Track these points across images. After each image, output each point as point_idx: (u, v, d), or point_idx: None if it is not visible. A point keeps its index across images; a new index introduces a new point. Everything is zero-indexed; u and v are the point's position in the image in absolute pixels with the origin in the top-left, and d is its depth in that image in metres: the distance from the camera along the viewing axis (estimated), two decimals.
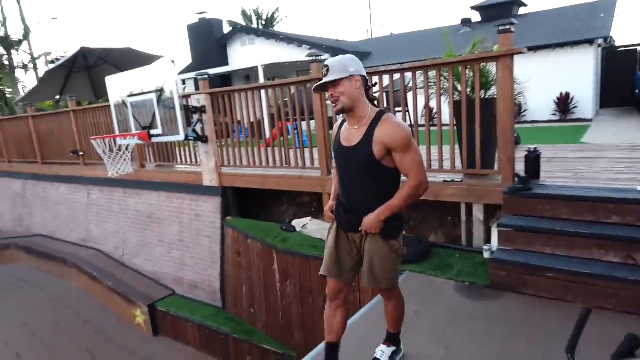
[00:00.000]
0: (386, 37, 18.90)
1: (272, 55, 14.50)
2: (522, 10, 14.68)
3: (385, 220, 2.13)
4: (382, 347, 2.51)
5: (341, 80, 2.07)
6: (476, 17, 14.80)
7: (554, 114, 10.75)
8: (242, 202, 6.23)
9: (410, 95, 4.37)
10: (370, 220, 2.14)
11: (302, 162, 5.14)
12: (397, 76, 4.50)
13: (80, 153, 8.11)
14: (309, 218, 5.27)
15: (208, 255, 6.12)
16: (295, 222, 5.19)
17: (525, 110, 10.97)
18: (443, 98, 4.13)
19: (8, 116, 11.70)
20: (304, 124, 5.26)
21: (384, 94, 4.63)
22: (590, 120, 10.07)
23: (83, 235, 8.51)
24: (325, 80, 2.09)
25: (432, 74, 4.15)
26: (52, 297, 7.44)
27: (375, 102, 2.23)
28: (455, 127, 4.08)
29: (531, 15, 13.89)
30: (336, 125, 2.36)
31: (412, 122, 4.41)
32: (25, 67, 19.51)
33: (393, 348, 2.51)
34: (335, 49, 14.35)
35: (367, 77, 2.20)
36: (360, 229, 2.17)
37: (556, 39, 10.83)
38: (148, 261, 7.11)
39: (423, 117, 4.32)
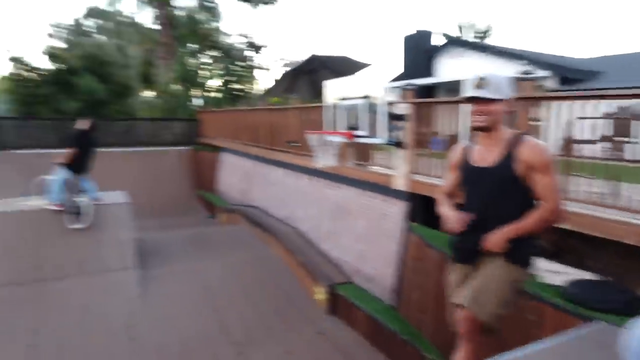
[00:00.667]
0: (631, 55, 16.09)
1: (482, 70, 14.03)
2: None
3: (512, 241, 2.03)
4: None
5: (495, 101, 2.07)
6: None
7: None
8: (428, 211, 6.42)
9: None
10: (496, 237, 2.05)
11: None
12: (622, 102, 4.03)
13: (297, 144, 9.52)
14: None
15: (388, 254, 6.53)
16: None
17: None
18: None
19: (247, 108, 14.41)
20: None
21: (603, 121, 4.20)
22: None
23: (288, 214, 10.00)
24: (480, 94, 2.09)
25: None
26: (257, 258, 9.00)
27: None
28: None
29: None
30: (457, 150, 2.33)
31: (636, 157, 3.90)
32: (265, 68, 23.62)
33: None
34: (558, 65, 13.02)
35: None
36: (486, 246, 2.09)
37: None
38: (334, 248, 7.96)
39: None
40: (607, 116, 4.45)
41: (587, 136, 4.33)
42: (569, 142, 4.22)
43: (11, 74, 18.83)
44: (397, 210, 6.52)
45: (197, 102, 20.23)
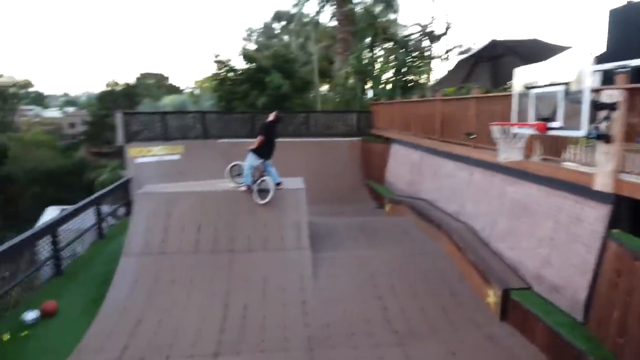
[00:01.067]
0: None
1: None
2: None
3: None
4: None
5: None
6: None
7: None
8: (637, 218, 5.34)
9: None
10: None
11: None
12: None
13: (474, 136, 8.95)
14: None
15: (579, 263, 5.66)
16: None
17: None
18: None
19: (420, 99, 14.14)
20: None
21: None
22: None
23: (457, 209, 9.53)
24: None
25: None
26: (423, 251, 8.82)
27: None
28: None
29: None
30: None
31: None
32: (440, 58, 22.80)
33: None
34: None
35: None
36: None
37: None
38: (511, 249, 7.26)
39: None
40: None
41: None
42: None
43: (214, 74, 22.26)
44: (595, 213, 5.58)
45: (371, 94, 20.76)
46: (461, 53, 21.94)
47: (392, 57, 22.23)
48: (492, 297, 6.67)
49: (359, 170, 16.89)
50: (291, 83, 21.09)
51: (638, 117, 5.24)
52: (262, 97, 20.11)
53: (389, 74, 21.60)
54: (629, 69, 5.45)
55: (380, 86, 20.71)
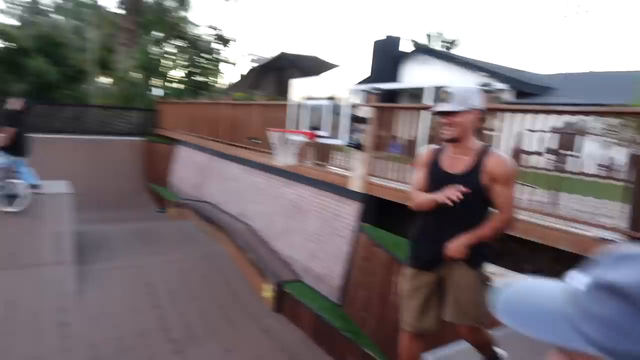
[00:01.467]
0: (581, 74, 17.05)
1: (445, 78, 14.45)
2: None
3: (471, 247, 2.15)
4: None
5: (460, 112, 2.14)
6: None
7: None
8: (381, 213, 6.46)
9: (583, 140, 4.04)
10: (456, 244, 2.15)
11: None
12: (569, 118, 4.20)
13: (259, 141, 9.36)
14: None
15: (338, 253, 6.51)
16: None
17: None
18: (621, 148, 3.72)
19: (209, 101, 14.09)
20: None
21: (549, 135, 4.36)
22: None
23: (240, 211, 9.80)
24: (444, 109, 2.16)
25: (614, 121, 3.78)
26: (205, 255, 8.75)
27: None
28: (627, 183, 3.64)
29: None
30: (429, 151, 2.38)
31: (576, 170, 4.06)
32: (232, 62, 23.19)
33: None
34: (516, 79, 13.59)
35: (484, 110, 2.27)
36: (446, 253, 2.18)
37: None
38: (286, 246, 7.86)
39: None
40: (554, 130, 4.62)
41: (534, 148, 4.49)
42: (517, 152, 4.37)
43: None
44: (350, 210, 6.52)
45: (157, 92, 19.57)
46: (253, 61, 22.88)
47: (183, 55, 21.55)
48: (268, 291, 7.07)
49: (141, 172, 15.65)
50: (60, 70, 18.18)
51: (385, 130, 6.37)
52: (21, 84, 16.72)
53: (179, 73, 20.85)
54: (379, 91, 6.57)
55: (169, 85, 19.77)
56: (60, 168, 10.47)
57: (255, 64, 12.56)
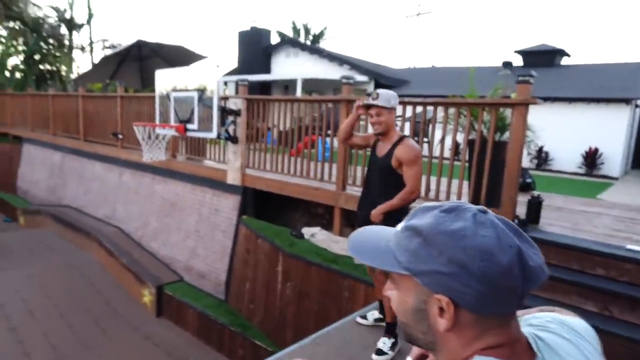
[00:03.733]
0: (427, 69, 19.19)
1: (313, 70, 15.00)
2: (564, 60, 14.73)
3: (386, 214, 2.76)
4: (383, 338, 2.90)
5: (384, 110, 2.79)
6: (518, 61, 14.93)
7: (580, 167, 10.73)
8: (260, 204, 6.57)
9: (430, 127, 4.64)
10: (375, 211, 2.79)
11: (320, 174, 5.45)
12: (419, 108, 4.78)
13: (120, 136, 8.67)
14: (319, 228, 5.54)
15: (220, 249, 6.46)
16: (305, 230, 5.48)
17: (551, 159, 10.99)
18: (460, 134, 4.37)
19: (60, 92, 12.51)
20: (328, 139, 5.59)
21: (406, 123, 4.91)
22: (615, 179, 10.01)
23: (109, 213, 9.03)
24: (373, 102, 2.79)
25: (453, 111, 4.40)
26: (71, 265, 7.91)
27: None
28: (467, 164, 4.31)
29: (573, 67, 13.92)
30: (373, 136, 3.00)
31: (429, 153, 4.65)
32: (82, 49, 20.73)
33: (392, 339, 2.89)
34: (375, 72, 14.73)
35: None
36: (370, 218, 2.79)
37: (593, 93, 10.87)
38: (163, 246, 7.51)
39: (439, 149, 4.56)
40: (407, 119, 5.20)
41: None
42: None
43: None
44: (229, 204, 6.49)
45: None
46: (106, 48, 20.76)
47: (21, 40, 18.65)
48: (148, 295, 6.71)
49: None
50: None
51: (258, 121, 6.43)
52: None
53: (17, 60, 18.02)
54: (247, 82, 6.58)
55: (5, 73, 16.98)
56: None
57: (111, 52, 11.49)
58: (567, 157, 10.80)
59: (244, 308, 5.79)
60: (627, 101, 10.33)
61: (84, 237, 8.52)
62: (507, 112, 4.20)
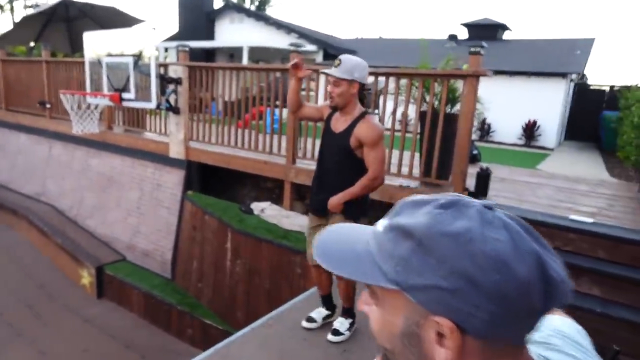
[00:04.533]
0: (374, 40, 19.08)
1: (260, 38, 14.42)
2: (506, 35, 15.16)
3: (346, 203, 2.48)
4: (340, 318, 2.79)
5: (342, 82, 2.39)
6: (464, 33, 15.19)
7: (520, 139, 11.22)
8: (206, 179, 6.27)
9: (381, 99, 4.55)
10: (333, 200, 2.49)
11: (269, 147, 5.24)
12: (371, 79, 4.66)
13: (48, 105, 7.91)
14: (269, 203, 5.38)
15: (164, 226, 6.14)
16: (254, 205, 5.29)
17: (493, 131, 11.40)
18: (412, 106, 4.32)
19: None
20: (276, 111, 5.36)
21: None
22: (551, 149, 10.58)
23: (38, 189, 8.32)
24: (330, 72, 2.41)
25: (404, 82, 4.33)
26: None
27: (364, 102, 2.57)
28: (418, 136, 4.28)
29: (514, 42, 14.37)
30: (328, 110, 2.63)
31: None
32: (1, 7, 18.64)
33: (350, 320, 2.79)
34: (323, 42, 14.42)
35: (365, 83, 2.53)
36: (328, 207, 2.52)
37: (533, 67, 11.29)
38: (102, 224, 7.05)
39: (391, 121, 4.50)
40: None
41: None
42: None
43: None
44: (173, 179, 6.15)
45: None
46: (28, 7, 18.79)
47: None
48: (87, 277, 6.31)
49: None
50: None
51: (201, 91, 6.05)
52: None
53: None
54: (188, 48, 6.12)
55: None
56: None
57: (34, 11, 10.35)
58: (508, 129, 11.23)
59: (191, 287, 5.58)
60: (563, 75, 10.82)
61: (11, 215, 7.83)
62: (458, 84, 4.18)
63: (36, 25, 9.83)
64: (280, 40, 13.87)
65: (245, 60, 13.02)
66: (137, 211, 6.52)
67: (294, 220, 4.78)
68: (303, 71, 2.57)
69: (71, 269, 6.56)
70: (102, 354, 5.11)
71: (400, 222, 0.51)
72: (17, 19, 18.18)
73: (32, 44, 10.78)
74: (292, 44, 5.06)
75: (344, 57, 2.43)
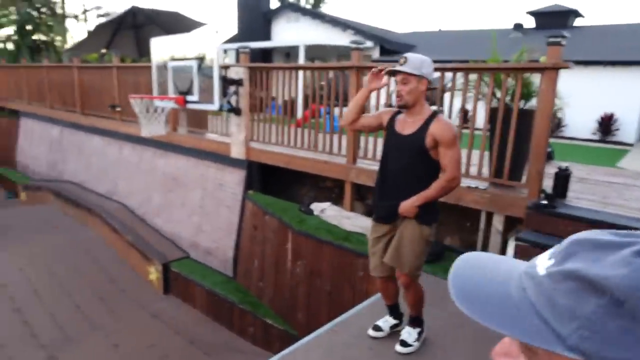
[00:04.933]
0: (433, 33, 18.47)
1: (316, 36, 14.42)
2: (578, 22, 14.10)
3: (420, 207, 2.37)
4: (408, 328, 2.67)
5: (411, 79, 2.31)
6: (530, 22, 14.31)
7: (594, 134, 10.38)
8: (266, 179, 6.32)
9: (447, 95, 4.33)
10: (407, 204, 2.38)
11: (329, 147, 5.17)
12: (436, 74, 4.44)
13: (118, 108, 8.35)
14: (329, 203, 5.31)
15: (226, 225, 6.26)
16: (314, 206, 5.25)
17: (564, 126, 10.63)
18: (480, 103, 4.06)
19: (55, 64, 12.08)
20: (336, 109, 5.28)
21: None
22: (631, 145, 9.69)
23: (110, 188, 8.83)
24: (400, 68, 2.32)
25: (473, 77, 4.08)
26: (74, 242, 7.78)
27: (429, 100, 2.49)
28: (488, 134, 4.02)
29: (586, 28, 13.33)
30: (388, 112, 2.55)
31: None
32: (76, 17, 20.05)
33: (418, 329, 2.67)
34: (379, 37, 14.15)
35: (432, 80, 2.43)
36: (399, 212, 2.41)
37: (609, 55, 10.39)
38: (168, 222, 7.33)
39: (458, 119, 4.27)
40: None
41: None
42: (387, 106, 4.55)
43: None
44: (234, 179, 6.25)
45: None
46: (100, 16, 20.06)
47: (12, 9, 17.99)
48: (154, 273, 6.59)
49: None
50: None
51: (261, 91, 6.10)
52: None
53: (9, 30, 17.43)
54: (249, 49, 6.19)
55: None
56: None
57: (105, 20, 11.00)
58: (581, 123, 10.42)
59: (252, 286, 5.65)
60: None
61: (87, 213, 8.35)
62: (533, 78, 3.88)
63: (107, 33, 10.45)
64: (336, 38, 13.78)
65: (301, 59, 13.08)
66: (200, 210, 6.71)
67: (355, 222, 4.68)
68: (382, 82, 2.50)
69: (140, 264, 6.88)
70: (168, 349, 5.29)
71: (581, 271, 0.39)
72: (91, 29, 19.51)
73: (103, 50, 11.46)
74: (353, 42, 4.95)
75: (409, 55, 2.35)
